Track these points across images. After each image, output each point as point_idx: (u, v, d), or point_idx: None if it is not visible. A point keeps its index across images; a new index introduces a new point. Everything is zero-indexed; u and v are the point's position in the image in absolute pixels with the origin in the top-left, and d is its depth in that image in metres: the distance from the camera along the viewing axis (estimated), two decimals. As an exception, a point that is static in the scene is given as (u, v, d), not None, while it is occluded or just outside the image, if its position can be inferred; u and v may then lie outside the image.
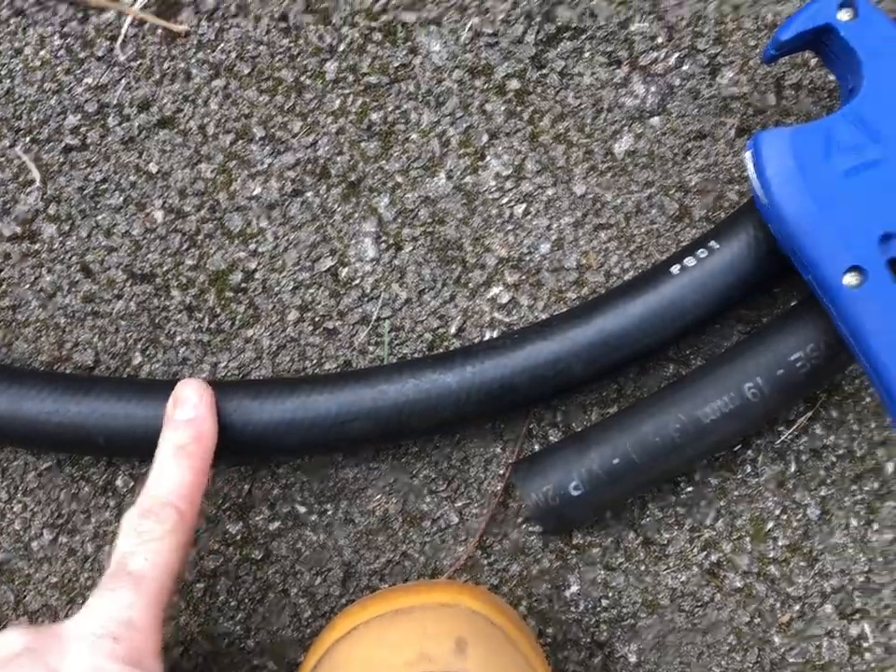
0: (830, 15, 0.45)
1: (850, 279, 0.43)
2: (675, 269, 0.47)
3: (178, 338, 0.52)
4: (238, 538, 0.51)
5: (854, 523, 0.49)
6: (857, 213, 0.44)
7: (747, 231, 0.47)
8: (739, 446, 0.50)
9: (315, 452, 0.50)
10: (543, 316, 0.51)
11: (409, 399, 0.47)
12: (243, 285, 0.52)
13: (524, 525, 0.50)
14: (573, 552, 0.50)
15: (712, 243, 0.47)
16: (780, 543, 0.49)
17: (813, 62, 0.51)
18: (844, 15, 0.45)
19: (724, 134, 0.52)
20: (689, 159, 0.52)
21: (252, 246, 0.52)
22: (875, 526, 0.49)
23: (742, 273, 0.47)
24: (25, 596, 0.51)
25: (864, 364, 0.44)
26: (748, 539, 0.49)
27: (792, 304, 0.48)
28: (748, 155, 0.45)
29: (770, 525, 0.49)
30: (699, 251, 0.47)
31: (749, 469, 0.50)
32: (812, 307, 0.46)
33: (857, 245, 0.43)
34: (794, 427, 0.50)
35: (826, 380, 0.49)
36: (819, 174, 0.44)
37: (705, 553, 0.49)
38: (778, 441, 0.50)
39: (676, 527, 0.50)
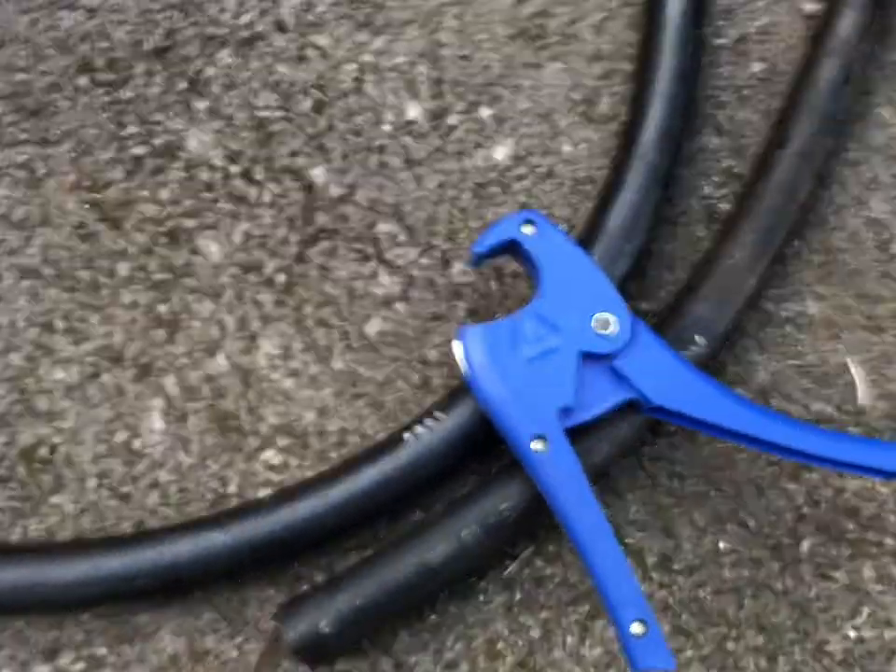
0: (515, 231, 0.56)
1: (537, 445, 0.54)
2: (407, 436, 0.57)
3: (-7, 506, 0.60)
4: (45, 681, 0.58)
5: (570, 640, 0.59)
6: (540, 391, 0.54)
7: (465, 403, 0.57)
8: (475, 578, 0.59)
9: (108, 603, 0.58)
10: (310, 474, 0.60)
11: (187, 557, 0.55)
12: (49, 457, 0.60)
13: (294, 657, 0.58)
14: (336, 677, 0.59)
15: (438, 413, 0.57)
16: (509, 661, 0.59)
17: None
18: (526, 230, 0.56)
19: (456, 315, 0.62)
20: (428, 336, 0.62)
21: (56, 424, 0.60)
22: (588, 642, 0.59)
23: (464, 437, 0.57)
24: None
25: (555, 514, 0.54)
26: (482, 658, 0.59)
27: (501, 463, 0.58)
28: (456, 344, 0.56)
29: (500, 645, 0.59)
30: (427, 420, 0.57)
31: (482, 597, 0.59)
32: (517, 466, 0.56)
33: (540, 417, 0.54)
34: (518, 560, 0.60)
35: (534, 524, 0.59)
36: (508, 361, 0.55)
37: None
38: (506, 573, 0.60)
39: (422, 650, 0.59)
